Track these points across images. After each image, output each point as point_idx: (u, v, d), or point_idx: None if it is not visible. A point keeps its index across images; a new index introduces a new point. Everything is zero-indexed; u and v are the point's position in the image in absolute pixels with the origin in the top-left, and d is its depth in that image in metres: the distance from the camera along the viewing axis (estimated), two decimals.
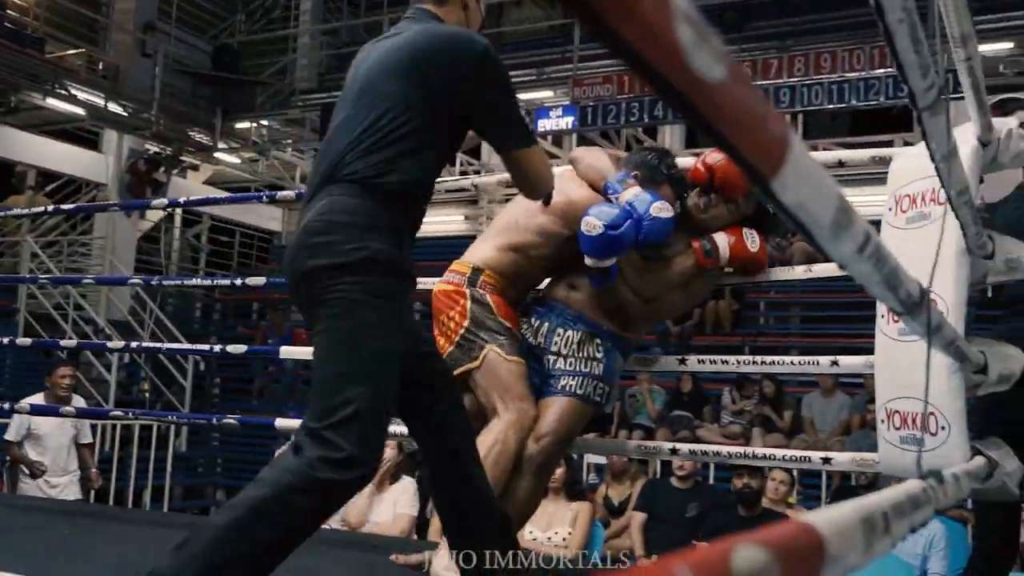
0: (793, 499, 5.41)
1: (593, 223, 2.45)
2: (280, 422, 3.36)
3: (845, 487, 6.07)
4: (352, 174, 1.84)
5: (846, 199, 0.85)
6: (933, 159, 1.54)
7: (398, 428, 4.39)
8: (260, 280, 3.37)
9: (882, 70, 8.03)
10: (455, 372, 2.44)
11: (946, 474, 1.46)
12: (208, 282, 5.18)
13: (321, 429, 1.69)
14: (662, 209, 2.48)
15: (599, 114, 9.43)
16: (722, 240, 2.63)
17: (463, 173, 12.87)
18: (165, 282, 5.72)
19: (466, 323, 2.54)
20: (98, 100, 10.85)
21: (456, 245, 11.81)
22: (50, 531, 3.37)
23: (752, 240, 2.65)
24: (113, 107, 11.00)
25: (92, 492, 6.14)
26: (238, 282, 3.36)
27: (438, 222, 13.26)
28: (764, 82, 8.56)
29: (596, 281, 2.59)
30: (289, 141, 12.72)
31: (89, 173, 11.59)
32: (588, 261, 2.54)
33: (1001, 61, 8.82)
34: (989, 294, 3.09)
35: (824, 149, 11.06)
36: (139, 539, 3.30)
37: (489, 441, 2.42)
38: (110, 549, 3.03)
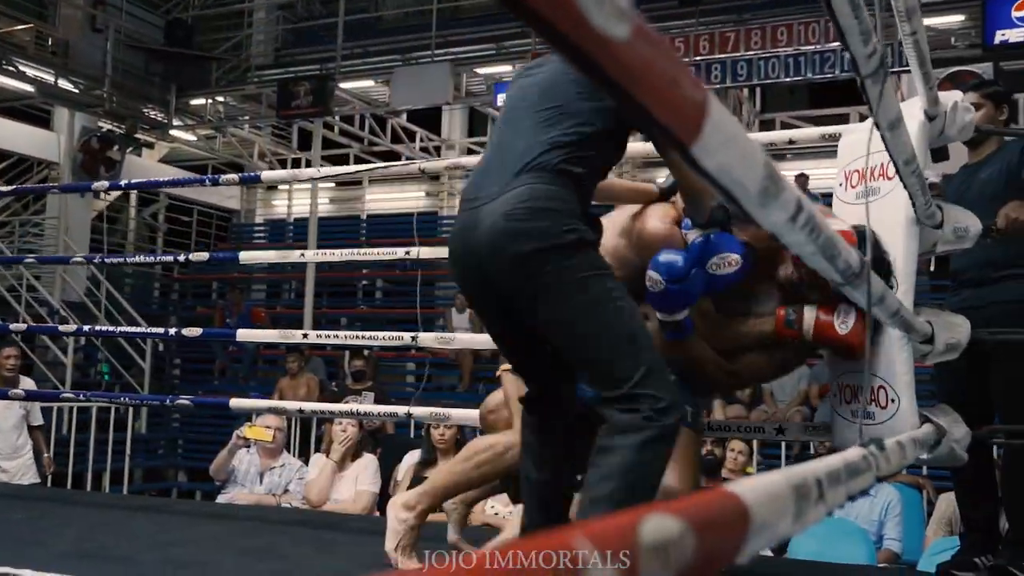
0: (752, 468, 5.47)
1: (655, 279, 2.24)
2: (235, 402, 3.33)
3: (805, 456, 6.15)
4: (548, 164, 1.98)
5: (775, 167, 0.84)
6: (878, 127, 1.55)
7: (359, 407, 4.37)
8: (203, 256, 3.33)
9: (837, 43, 8.07)
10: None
11: (888, 442, 1.47)
12: (151, 259, 5.09)
13: (629, 391, 1.86)
14: (722, 264, 2.24)
15: None
16: (810, 314, 2.35)
17: (423, 149, 12.80)
18: (107, 260, 5.63)
19: None
20: (48, 77, 10.63)
21: (416, 222, 11.62)
22: (2, 516, 3.32)
23: (844, 321, 2.32)
24: (64, 84, 10.78)
25: (48, 476, 6.06)
26: (182, 258, 3.31)
27: (399, 198, 13.21)
28: (721, 55, 8.57)
29: (671, 335, 2.35)
30: (246, 118, 12.54)
31: (41, 152, 11.37)
32: (659, 315, 2.33)
33: (953, 34, 8.90)
34: (932, 267, 3.12)
35: (782, 122, 11.12)
36: (93, 522, 3.26)
37: (488, 442, 2.49)
38: (63, 533, 2.99)
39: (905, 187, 1.86)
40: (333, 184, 13.98)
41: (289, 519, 3.62)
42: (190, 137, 12.76)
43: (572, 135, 1.99)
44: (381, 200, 13.38)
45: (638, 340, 1.92)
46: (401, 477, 4.83)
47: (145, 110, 11.71)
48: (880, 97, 1.37)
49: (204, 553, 2.72)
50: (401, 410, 3.06)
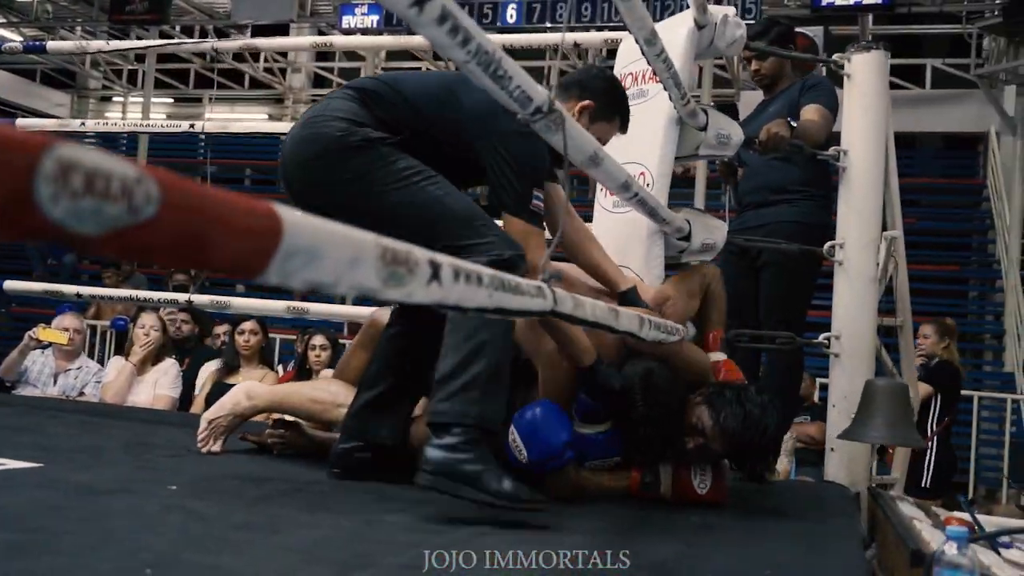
0: None
1: (519, 447, 2.03)
2: (9, 284, 3.19)
3: None
4: (359, 85, 2.14)
5: None
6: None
7: (135, 292, 4.23)
8: None
9: None
10: None
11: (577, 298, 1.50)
12: None
13: (459, 247, 1.87)
14: (599, 467, 2.23)
15: None
16: (666, 476, 2.25)
17: (268, 70, 12.41)
18: None
19: None
20: None
21: (260, 144, 11.30)
22: None
23: (702, 481, 2.23)
24: None
25: None
26: None
27: (240, 119, 12.79)
28: None
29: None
30: (79, 20, 11.83)
31: None
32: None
33: None
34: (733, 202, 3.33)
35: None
36: None
37: (336, 394, 2.46)
38: None
39: (648, 62, 1.90)
40: (171, 100, 13.41)
41: (70, 407, 3.52)
42: (16, 38, 11.92)
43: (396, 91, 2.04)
44: (222, 120, 12.92)
45: (448, 206, 1.96)
46: (202, 383, 4.75)
47: None
48: None
49: None
50: (182, 297, 3.00)
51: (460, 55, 1.00)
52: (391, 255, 0.83)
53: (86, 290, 3.62)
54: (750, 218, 3.27)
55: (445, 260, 0.94)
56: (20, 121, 3.50)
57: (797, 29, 9.27)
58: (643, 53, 1.88)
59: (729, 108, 3.14)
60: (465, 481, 1.81)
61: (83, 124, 3.99)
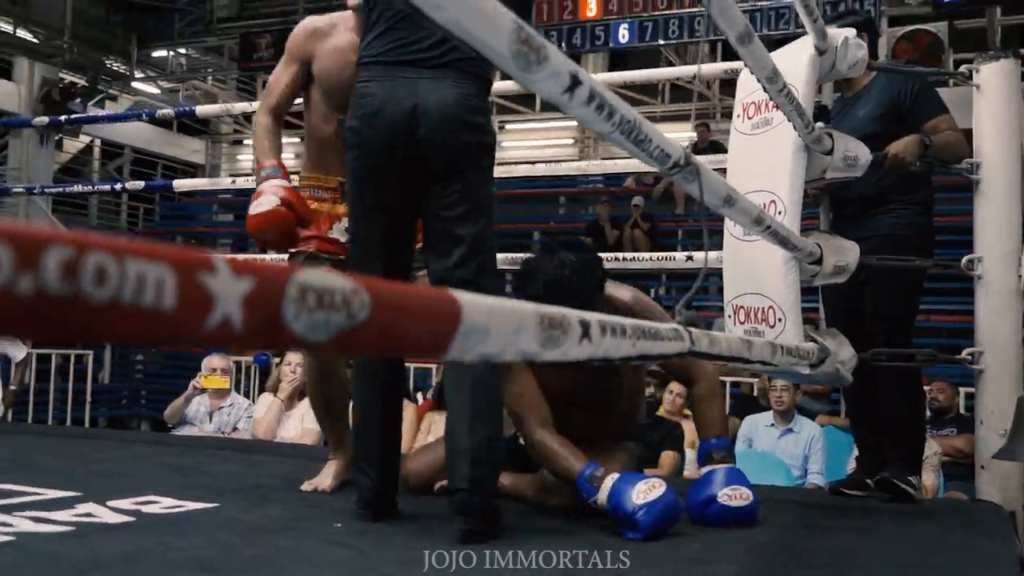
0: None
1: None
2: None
3: (749, 398, 6.27)
4: (470, 63, 2.19)
5: (530, 32, 0.91)
6: (732, 43, 1.65)
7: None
8: (139, 184, 3.40)
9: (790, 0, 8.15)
10: None
11: (715, 331, 1.56)
12: (89, 188, 5.11)
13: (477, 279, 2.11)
14: (649, 491, 2.03)
15: None
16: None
17: None
18: (47, 190, 5.63)
19: None
20: (7, 26, 10.53)
21: None
22: None
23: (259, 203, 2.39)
24: (23, 33, 10.69)
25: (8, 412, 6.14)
26: (118, 186, 3.38)
27: None
28: (673, 11, 8.64)
29: None
30: (209, 71, 12.48)
31: (1, 103, 11.29)
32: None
33: None
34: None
35: None
36: (30, 445, 3.35)
37: None
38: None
39: (770, 97, 1.94)
40: (299, 139, 13.95)
41: (226, 445, 3.73)
42: (153, 90, 12.67)
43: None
44: None
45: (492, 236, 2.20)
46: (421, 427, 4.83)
47: (107, 61, 11.62)
48: (729, 12, 1.46)
49: (127, 466, 2.83)
50: None
51: (606, 128, 1.07)
52: (548, 320, 0.90)
53: None
54: (852, 229, 3.04)
55: (592, 318, 1.00)
56: (178, 182, 3.74)
57: (921, 28, 9.00)
58: (766, 91, 1.91)
59: (821, 110, 2.98)
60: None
61: (233, 182, 4.22)
